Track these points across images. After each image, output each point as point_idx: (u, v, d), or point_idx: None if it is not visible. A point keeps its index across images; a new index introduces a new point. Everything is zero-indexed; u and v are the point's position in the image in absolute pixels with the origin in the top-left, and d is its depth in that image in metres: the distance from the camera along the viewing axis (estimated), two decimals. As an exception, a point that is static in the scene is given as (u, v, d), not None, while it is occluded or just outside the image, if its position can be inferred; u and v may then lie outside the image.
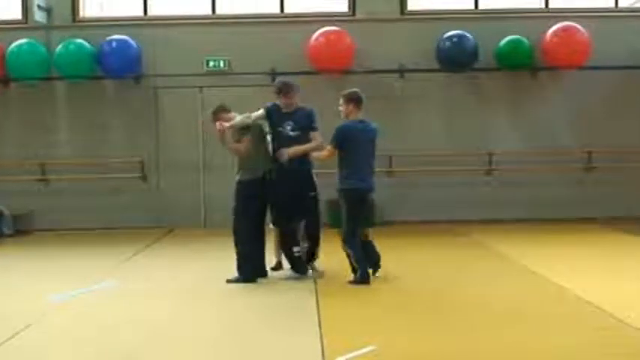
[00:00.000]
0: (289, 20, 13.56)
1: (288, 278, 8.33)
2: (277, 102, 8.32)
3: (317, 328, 6.26)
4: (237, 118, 8.25)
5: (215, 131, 8.37)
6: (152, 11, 13.76)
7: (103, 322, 6.70)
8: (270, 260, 8.60)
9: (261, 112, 8.31)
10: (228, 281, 8.16)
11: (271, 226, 8.50)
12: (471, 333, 6.09)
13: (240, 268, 8.17)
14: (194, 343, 6.01)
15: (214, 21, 13.65)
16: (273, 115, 8.27)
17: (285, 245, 8.23)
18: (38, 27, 13.18)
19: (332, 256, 8.44)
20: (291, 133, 8.20)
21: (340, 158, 8.04)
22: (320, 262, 8.60)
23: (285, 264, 8.50)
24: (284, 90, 8.30)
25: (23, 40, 12.93)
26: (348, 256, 7.97)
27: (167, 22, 13.66)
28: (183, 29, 13.54)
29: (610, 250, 10.37)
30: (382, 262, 8.15)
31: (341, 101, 8.24)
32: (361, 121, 8.20)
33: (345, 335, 6.04)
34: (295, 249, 8.20)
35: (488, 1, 13.84)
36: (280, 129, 8.23)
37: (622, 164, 13.41)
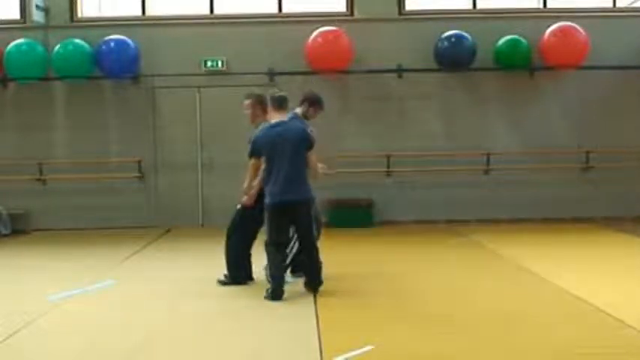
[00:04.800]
0: (287, 20, 13.55)
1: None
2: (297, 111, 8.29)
3: (315, 328, 6.26)
4: None
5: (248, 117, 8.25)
6: (150, 11, 13.76)
7: (100, 322, 6.70)
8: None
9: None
10: (220, 282, 8.18)
11: None
12: (469, 333, 6.09)
13: (233, 270, 8.17)
14: (192, 342, 6.01)
15: (212, 21, 13.64)
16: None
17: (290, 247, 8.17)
18: (36, 27, 13.17)
19: (330, 256, 8.41)
20: None
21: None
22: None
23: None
24: (319, 104, 8.30)
25: (21, 40, 12.91)
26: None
27: (165, 22, 13.65)
28: (181, 29, 13.54)
29: (608, 250, 10.38)
30: (380, 262, 8.10)
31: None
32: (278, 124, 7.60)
33: (344, 335, 6.04)
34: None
35: (486, 1, 13.84)
36: None
37: (620, 164, 13.42)
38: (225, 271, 8.20)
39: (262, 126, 7.98)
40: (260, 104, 8.20)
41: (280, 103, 7.65)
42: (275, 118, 7.63)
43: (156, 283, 8.44)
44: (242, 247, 8.16)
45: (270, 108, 7.74)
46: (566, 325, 6.30)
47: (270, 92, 7.95)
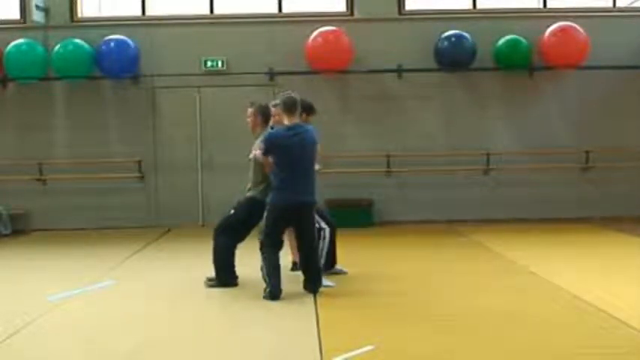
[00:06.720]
0: (287, 20, 13.55)
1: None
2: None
3: (315, 328, 6.26)
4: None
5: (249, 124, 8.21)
6: (150, 11, 13.76)
7: (101, 322, 6.70)
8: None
9: None
10: (208, 283, 8.13)
11: None
12: (469, 333, 6.09)
13: (224, 274, 8.10)
14: (192, 342, 6.01)
15: (212, 21, 13.64)
16: None
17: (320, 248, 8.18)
18: (36, 27, 13.17)
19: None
20: None
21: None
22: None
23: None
24: (312, 111, 8.37)
25: (21, 40, 12.92)
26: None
27: (165, 22, 13.66)
28: (181, 29, 13.55)
29: (608, 250, 10.37)
30: (380, 262, 8.07)
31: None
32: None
33: (344, 335, 6.03)
34: None
35: (486, 1, 13.85)
36: None
37: (620, 164, 13.43)
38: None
39: (264, 135, 7.92)
40: (262, 115, 8.15)
41: (291, 107, 7.58)
42: (288, 121, 7.58)
43: (156, 283, 8.44)
44: (230, 250, 8.10)
45: (280, 111, 7.69)
46: (565, 324, 6.29)
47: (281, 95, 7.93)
